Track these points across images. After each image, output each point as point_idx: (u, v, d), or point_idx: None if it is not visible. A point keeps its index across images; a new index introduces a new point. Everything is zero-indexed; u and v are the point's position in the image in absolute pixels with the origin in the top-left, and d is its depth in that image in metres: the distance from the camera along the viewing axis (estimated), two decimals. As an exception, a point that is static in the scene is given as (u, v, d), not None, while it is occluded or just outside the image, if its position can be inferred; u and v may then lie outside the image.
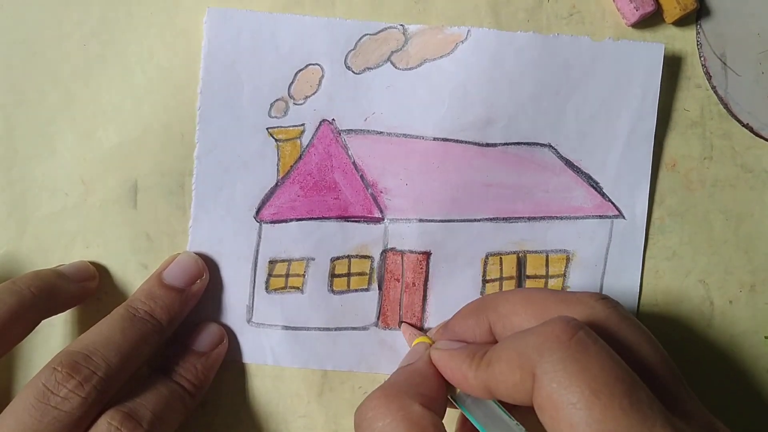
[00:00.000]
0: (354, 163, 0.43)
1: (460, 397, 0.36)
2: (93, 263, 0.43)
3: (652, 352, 0.33)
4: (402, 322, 0.43)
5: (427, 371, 0.36)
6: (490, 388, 0.32)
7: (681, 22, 0.44)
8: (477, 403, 0.35)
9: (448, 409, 0.37)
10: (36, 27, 0.43)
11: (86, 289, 0.42)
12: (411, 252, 0.44)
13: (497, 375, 0.32)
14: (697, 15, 0.44)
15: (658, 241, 0.44)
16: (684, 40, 0.44)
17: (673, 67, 0.44)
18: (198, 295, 0.42)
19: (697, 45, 0.44)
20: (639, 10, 0.42)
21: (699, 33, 0.44)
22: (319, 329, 0.44)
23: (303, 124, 0.43)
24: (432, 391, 0.35)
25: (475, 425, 0.35)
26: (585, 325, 0.31)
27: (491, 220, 0.43)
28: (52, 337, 0.44)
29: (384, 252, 0.44)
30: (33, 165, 0.43)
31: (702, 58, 0.44)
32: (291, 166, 0.43)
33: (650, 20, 0.44)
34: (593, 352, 0.30)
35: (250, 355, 0.44)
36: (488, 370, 0.32)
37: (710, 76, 0.44)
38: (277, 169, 0.43)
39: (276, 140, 0.43)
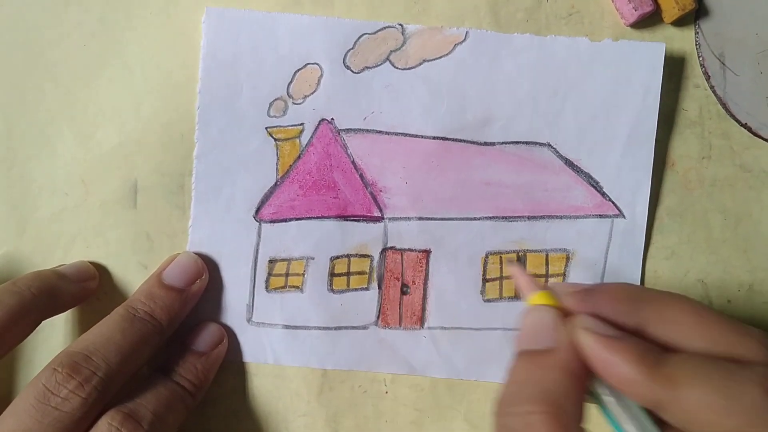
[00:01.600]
0: (353, 162, 0.43)
1: (598, 386, 0.32)
2: (93, 263, 0.44)
3: None
4: (510, 260, 0.39)
5: (580, 367, 0.31)
6: (661, 408, 0.30)
7: (680, 22, 0.44)
8: (619, 400, 0.31)
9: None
10: (36, 27, 0.43)
11: (87, 290, 0.42)
12: (411, 250, 0.44)
13: (683, 404, 0.29)
14: (695, 15, 0.44)
15: (656, 240, 0.44)
16: (683, 40, 0.44)
17: (671, 67, 0.44)
18: (198, 295, 0.42)
19: (696, 45, 0.44)
20: (638, 10, 0.43)
21: (697, 33, 0.44)
22: (319, 328, 0.44)
23: (302, 124, 0.43)
24: (578, 394, 0.31)
25: (609, 421, 0.32)
26: None
27: (491, 218, 0.43)
28: (53, 336, 0.44)
29: (384, 251, 0.44)
30: (33, 165, 0.43)
31: (700, 58, 0.44)
32: (290, 166, 0.43)
33: (649, 20, 0.44)
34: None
35: (250, 354, 0.44)
36: (670, 388, 0.29)
37: (709, 76, 0.44)
38: (277, 168, 0.43)
39: (275, 140, 0.43)
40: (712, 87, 0.44)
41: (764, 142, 0.44)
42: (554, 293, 0.35)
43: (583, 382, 0.31)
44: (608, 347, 0.30)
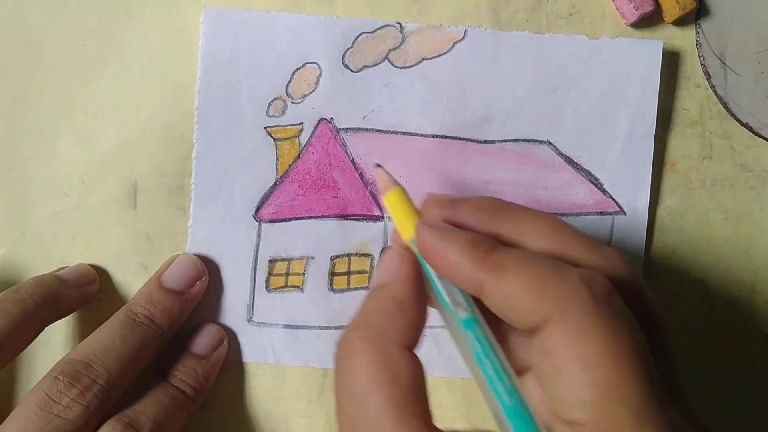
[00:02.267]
0: (353, 161, 0.43)
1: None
2: (93, 265, 0.43)
3: (660, 330, 0.31)
4: (378, 164, 0.38)
5: (409, 296, 0.32)
6: (483, 292, 0.30)
7: (680, 22, 0.44)
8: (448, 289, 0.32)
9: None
10: (36, 27, 0.43)
11: (87, 294, 0.42)
12: (411, 249, 0.44)
13: (503, 288, 0.29)
14: (696, 14, 0.44)
15: (657, 240, 0.44)
16: (683, 39, 0.44)
17: (672, 66, 0.44)
18: (198, 297, 0.42)
19: (697, 44, 0.44)
20: (638, 10, 0.43)
21: (698, 32, 0.44)
22: (320, 328, 0.44)
23: (301, 123, 0.43)
24: (413, 322, 0.31)
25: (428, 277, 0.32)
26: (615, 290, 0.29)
27: (491, 216, 0.43)
28: (53, 339, 0.44)
29: (384, 250, 0.44)
30: (32, 165, 0.43)
31: (701, 58, 0.44)
32: (290, 165, 0.43)
33: (650, 20, 0.44)
34: (621, 317, 0.28)
35: (250, 354, 0.44)
36: (494, 274, 0.29)
37: (709, 76, 0.44)
38: (276, 168, 0.43)
39: (274, 139, 0.43)
40: (712, 86, 0.44)
41: (765, 141, 0.44)
42: (405, 194, 0.36)
43: (414, 310, 0.32)
44: (442, 237, 0.31)
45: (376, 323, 0.31)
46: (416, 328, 0.31)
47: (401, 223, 0.34)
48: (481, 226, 0.33)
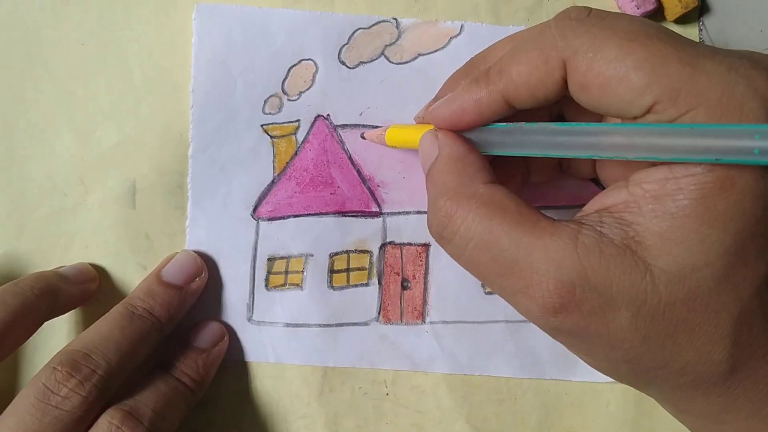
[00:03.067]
0: (350, 157, 0.43)
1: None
2: (92, 263, 0.44)
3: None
4: (362, 136, 0.43)
5: (461, 151, 0.33)
6: (509, 96, 0.32)
7: (682, 20, 0.44)
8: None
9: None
10: (34, 26, 0.44)
11: (87, 291, 0.42)
12: (410, 245, 0.43)
13: (515, 79, 0.31)
14: (699, 12, 0.44)
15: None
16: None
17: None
18: (197, 292, 0.42)
19: (700, 42, 0.44)
20: (640, 8, 0.43)
21: (702, 30, 0.44)
22: (320, 326, 0.43)
23: (298, 120, 0.43)
24: (480, 163, 0.33)
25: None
26: None
27: (489, 211, 0.43)
28: (53, 337, 0.44)
29: (383, 246, 0.43)
30: (32, 165, 0.44)
31: (704, 55, 0.44)
32: (287, 163, 0.43)
33: (652, 18, 0.44)
34: (614, 17, 0.29)
35: (251, 353, 0.43)
36: (502, 78, 0.31)
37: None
38: (273, 165, 0.43)
39: (271, 137, 0.43)
40: (715, 83, 0.44)
41: None
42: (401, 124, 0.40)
43: (474, 157, 0.33)
44: (453, 97, 0.34)
45: (454, 184, 0.32)
46: (485, 167, 0.33)
47: (415, 130, 0.38)
48: (480, 107, 0.34)
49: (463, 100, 0.33)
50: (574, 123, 0.31)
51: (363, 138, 0.43)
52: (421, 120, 0.39)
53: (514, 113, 0.33)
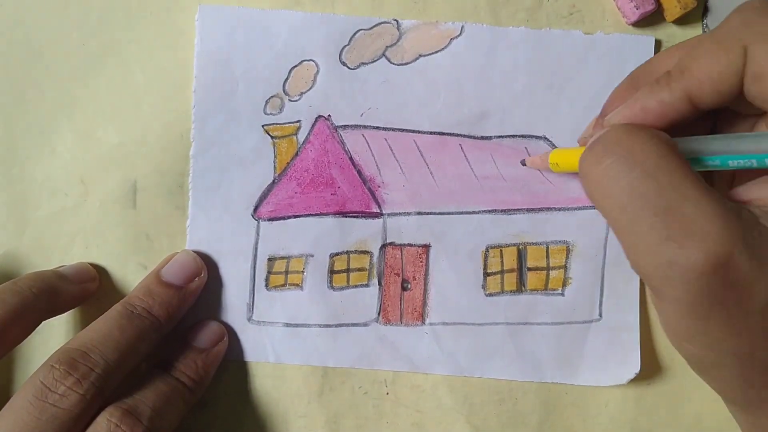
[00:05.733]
0: (351, 158, 0.43)
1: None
2: (92, 264, 0.44)
3: None
4: (523, 160, 0.43)
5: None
6: (692, 94, 0.31)
7: (682, 21, 0.44)
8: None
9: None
10: (35, 27, 0.44)
11: (86, 291, 0.42)
12: (410, 246, 0.43)
13: (697, 75, 0.31)
14: (703, 13, 0.44)
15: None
16: (685, 38, 0.44)
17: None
18: (196, 292, 0.42)
19: None
20: (639, 9, 0.42)
21: (705, 32, 0.44)
22: (320, 326, 0.43)
23: (299, 121, 0.43)
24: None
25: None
26: None
27: (490, 212, 0.43)
28: (52, 337, 0.44)
29: (383, 247, 0.43)
30: (32, 165, 0.44)
31: (708, 56, 0.44)
32: (288, 163, 0.43)
33: (651, 19, 0.44)
34: None
35: (251, 353, 0.44)
36: (684, 76, 0.31)
37: (716, 74, 0.44)
38: (274, 166, 0.43)
39: (272, 137, 0.43)
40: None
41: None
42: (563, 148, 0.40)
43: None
44: (632, 103, 0.33)
45: (626, 141, 0.31)
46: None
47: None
48: (664, 108, 0.33)
49: (644, 101, 0.33)
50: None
51: (523, 164, 0.43)
52: (585, 141, 0.38)
53: (695, 117, 0.33)
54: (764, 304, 0.28)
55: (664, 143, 0.30)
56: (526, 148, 0.43)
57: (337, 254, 0.43)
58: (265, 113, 0.43)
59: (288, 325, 0.43)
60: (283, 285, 0.43)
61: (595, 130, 0.36)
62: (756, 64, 0.29)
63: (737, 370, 0.30)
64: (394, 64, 0.43)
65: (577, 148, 0.38)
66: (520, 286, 0.43)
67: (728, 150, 0.31)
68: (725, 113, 0.35)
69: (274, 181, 0.43)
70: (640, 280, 0.43)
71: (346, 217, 0.43)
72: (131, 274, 0.44)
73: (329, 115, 0.43)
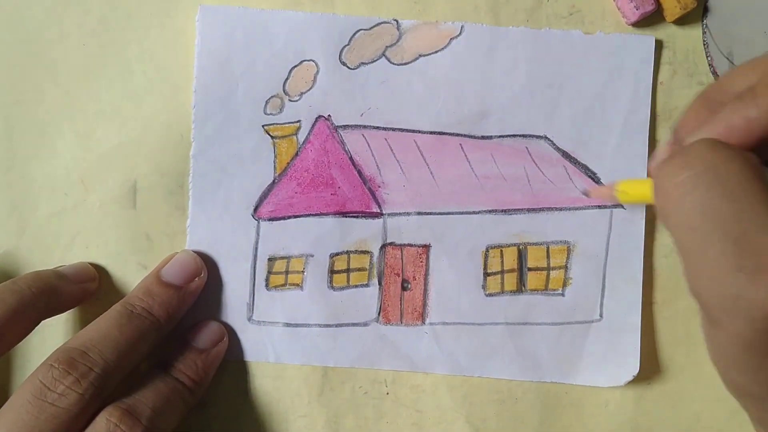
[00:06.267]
0: (351, 158, 0.43)
1: None
2: (92, 264, 0.44)
3: None
4: (587, 191, 0.43)
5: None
6: None
7: (682, 21, 0.44)
8: None
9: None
10: (36, 27, 0.44)
11: (86, 290, 0.42)
12: (410, 246, 0.43)
13: None
14: (703, 14, 0.44)
15: (656, 238, 0.44)
16: (685, 38, 0.44)
17: (674, 65, 0.44)
18: (196, 292, 0.42)
19: (704, 44, 0.44)
20: (639, 9, 0.43)
21: (705, 32, 0.44)
22: (320, 326, 0.43)
23: (299, 121, 0.43)
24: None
25: None
26: None
27: (490, 212, 0.43)
28: (51, 337, 0.44)
29: (383, 247, 0.43)
30: (32, 165, 0.44)
31: (709, 58, 0.44)
32: (288, 163, 0.43)
33: (651, 19, 0.44)
34: None
35: (251, 353, 0.44)
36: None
37: (717, 75, 0.44)
38: (274, 166, 0.43)
39: (272, 137, 0.43)
40: (720, 85, 0.44)
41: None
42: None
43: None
44: (713, 128, 0.30)
45: (708, 156, 0.29)
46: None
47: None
48: (747, 124, 0.31)
49: (729, 119, 0.30)
50: None
51: (586, 196, 0.43)
52: (658, 163, 0.35)
53: None
54: None
55: (751, 165, 0.28)
56: (526, 147, 0.43)
57: (337, 254, 0.43)
58: (265, 113, 0.43)
59: (288, 325, 0.43)
60: (283, 285, 0.44)
61: (666, 150, 0.35)
62: None
63: None
64: (394, 64, 0.43)
65: (647, 179, 0.37)
66: (521, 286, 0.43)
67: None
68: None
69: (274, 181, 0.43)
70: (644, 281, 0.43)
71: (346, 217, 0.43)
72: (131, 274, 0.44)
73: (329, 115, 0.43)
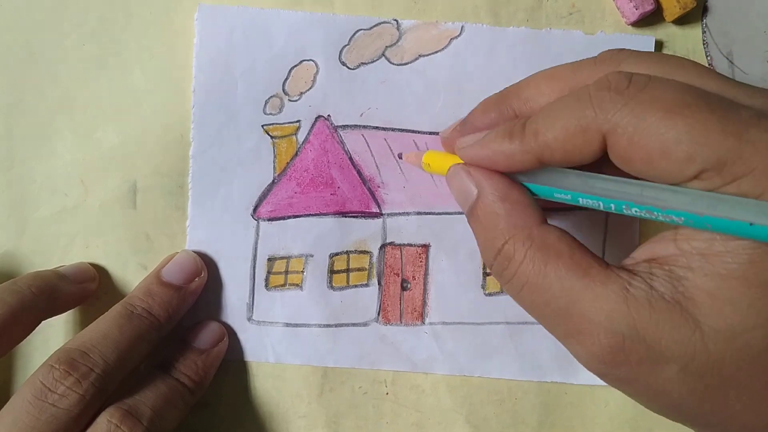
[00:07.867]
0: (350, 158, 0.43)
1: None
2: (92, 264, 0.44)
3: (697, 74, 0.30)
4: (400, 154, 0.43)
5: (504, 188, 0.33)
6: (543, 159, 0.31)
7: (681, 21, 0.44)
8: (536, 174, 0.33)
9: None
10: (35, 27, 0.44)
11: (86, 291, 0.42)
12: (410, 245, 0.43)
13: (551, 143, 0.31)
14: (702, 14, 0.44)
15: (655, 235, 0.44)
16: (684, 38, 0.44)
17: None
18: (196, 292, 0.42)
19: (704, 44, 0.44)
20: (639, 9, 0.43)
21: (705, 32, 0.44)
22: (320, 326, 0.43)
23: (298, 121, 0.43)
24: (527, 201, 0.33)
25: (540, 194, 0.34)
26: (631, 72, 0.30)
27: (489, 212, 0.43)
28: (52, 337, 0.44)
29: (383, 246, 0.43)
30: (32, 165, 0.44)
31: (708, 57, 0.44)
32: (287, 163, 0.43)
33: (650, 19, 0.44)
34: (653, 86, 0.28)
35: (251, 353, 0.44)
36: (538, 140, 0.31)
37: (717, 75, 0.44)
38: (274, 166, 0.43)
39: (272, 137, 0.43)
40: (719, 85, 0.44)
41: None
42: (436, 150, 0.40)
43: (518, 193, 0.33)
44: (482, 145, 0.34)
45: (506, 226, 0.32)
46: (531, 203, 0.33)
47: (449, 159, 0.37)
48: (497, 123, 0.35)
49: (494, 150, 0.33)
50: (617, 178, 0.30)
51: (400, 158, 0.43)
52: (446, 139, 0.39)
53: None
54: (678, 370, 0.28)
55: (539, 250, 0.31)
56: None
57: (336, 254, 0.43)
58: (265, 113, 0.43)
59: (288, 325, 0.43)
60: (283, 285, 0.43)
61: (453, 133, 0.38)
62: (621, 149, 0.29)
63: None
64: (393, 64, 0.43)
65: (447, 155, 0.38)
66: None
67: (581, 188, 0.31)
68: None
69: (273, 181, 0.43)
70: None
71: (345, 217, 0.43)
72: (131, 274, 0.44)
73: (329, 115, 0.43)
